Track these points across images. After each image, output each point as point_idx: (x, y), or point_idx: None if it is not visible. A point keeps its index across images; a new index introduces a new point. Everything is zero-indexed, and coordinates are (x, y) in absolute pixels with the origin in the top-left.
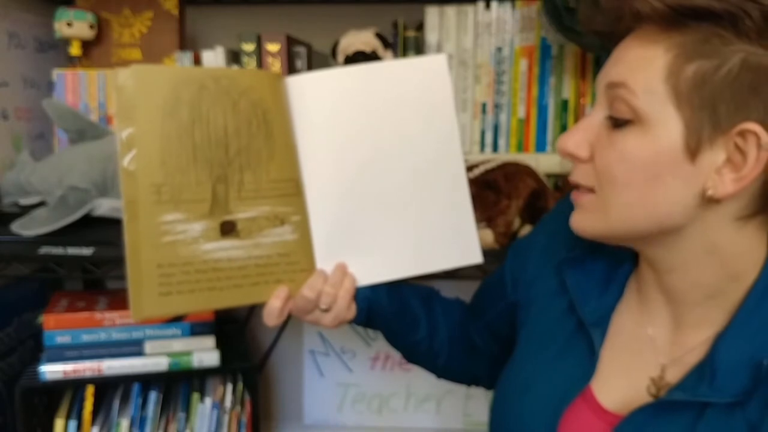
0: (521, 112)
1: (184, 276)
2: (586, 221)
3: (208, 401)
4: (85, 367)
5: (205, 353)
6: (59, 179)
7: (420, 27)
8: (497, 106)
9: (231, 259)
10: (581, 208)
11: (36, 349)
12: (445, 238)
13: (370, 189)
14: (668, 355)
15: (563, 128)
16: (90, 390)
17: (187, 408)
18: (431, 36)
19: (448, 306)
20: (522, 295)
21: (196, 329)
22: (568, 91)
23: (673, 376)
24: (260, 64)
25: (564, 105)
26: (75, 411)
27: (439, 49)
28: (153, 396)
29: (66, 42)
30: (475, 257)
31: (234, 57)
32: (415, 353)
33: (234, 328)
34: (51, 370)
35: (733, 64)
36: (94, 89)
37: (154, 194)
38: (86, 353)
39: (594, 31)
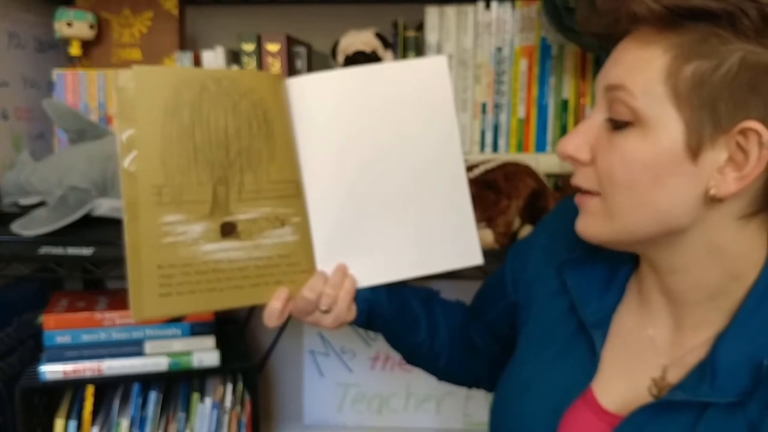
0: (521, 112)
1: (185, 277)
2: (592, 226)
3: (208, 401)
4: (85, 367)
5: (205, 353)
6: (59, 179)
7: (420, 27)
8: (497, 106)
9: (231, 260)
10: (586, 213)
11: (36, 349)
12: (445, 240)
13: (371, 190)
14: (669, 355)
15: (563, 128)
16: (90, 390)
17: (187, 408)
18: (431, 36)
19: (449, 307)
20: (522, 295)
21: (196, 329)
22: (568, 91)
23: (674, 376)
24: (260, 64)
25: (564, 105)
26: (75, 411)
27: (439, 49)
28: (153, 396)
29: (66, 42)
30: (476, 258)
31: (234, 57)
32: (416, 355)
33: (234, 328)
34: (51, 370)
35: (732, 63)
36: (94, 89)
37: (154, 195)
38: (86, 353)
39: (592, 33)
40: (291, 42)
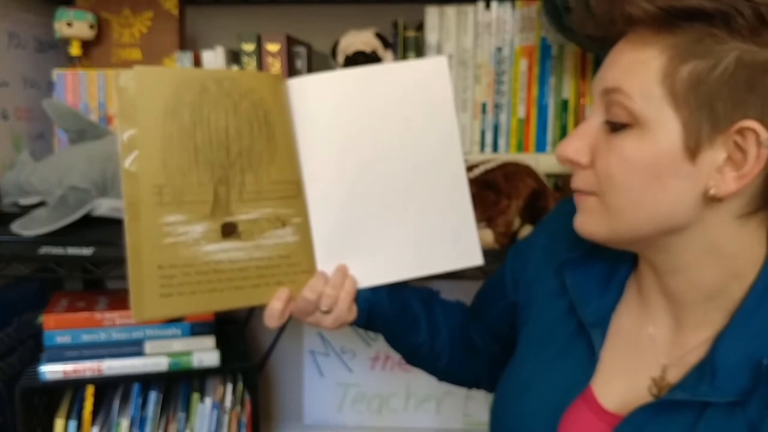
0: (521, 112)
1: (185, 277)
2: (590, 224)
3: (208, 401)
4: (85, 367)
5: (205, 353)
6: (59, 179)
7: (420, 27)
8: (497, 106)
9: (232, 260)
10: (584, 211)
11: (36, 349)
12: (445, 240)
13: (371, 191)
14: (669, 355)
15: (563, 128)
16: (90, 390)
17: (187, 408)
18: (431, 36)
19: (449, 308)
20: (522, 295)
21: (196, 329)
22: (568, 91)
23: (674, 375)
24: (260, 64)
25: (564, 105)
26: (75, 411)
27: (439, 49)
28: (153, 396)
29: (66, 42)
30: (476, 259)
31: (234, 57)
32: (416, 355)
33: (234, 328)
34: (51, 370)
35: (729, 63)
36: (94, 89)
37: (155, 195)
38: (86, 353)
39: (588, 36)
40: (291, 42)
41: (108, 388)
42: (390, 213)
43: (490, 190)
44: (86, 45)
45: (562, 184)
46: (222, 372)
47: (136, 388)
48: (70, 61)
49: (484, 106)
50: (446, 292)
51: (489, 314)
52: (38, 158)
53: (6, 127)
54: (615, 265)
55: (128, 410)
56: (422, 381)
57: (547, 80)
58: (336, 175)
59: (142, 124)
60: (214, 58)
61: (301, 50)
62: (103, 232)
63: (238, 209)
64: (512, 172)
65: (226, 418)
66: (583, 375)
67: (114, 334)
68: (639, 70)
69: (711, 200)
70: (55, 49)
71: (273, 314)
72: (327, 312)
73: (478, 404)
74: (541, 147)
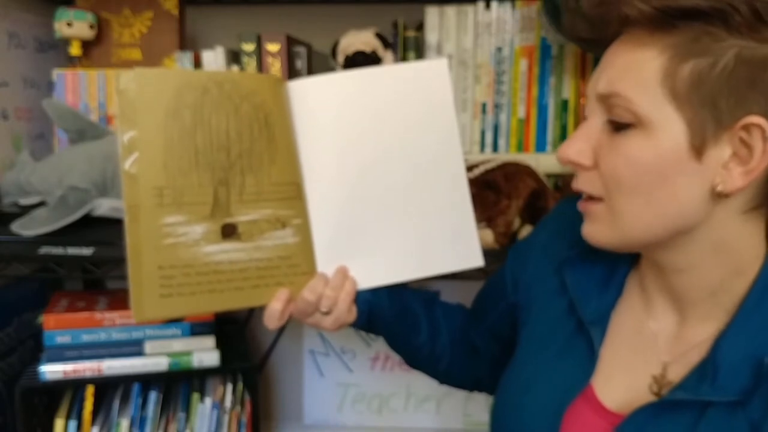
0: (521, 112)
1: (185, 278)
2: (599, 232)
3: (208, 401)
4: (85, 367)
5: (205, 353)
6: (59, 179)
7: (420, 27)
8: (497, 106)
9: (232, 261)
10: (592, 219)
11: (36, 349)
12: (446, 242)
13: (371, 192)
14: (670, 352)
15: (563, 128)
16: (90, 390)
17: (187, 408)
18: (431, 36)
19: (449, 310)
20: (522, 296)
21: (196, 329)
22: (568, 91)
23: (675, 374)
24: (260, 64)
25: (564, 105)
26: (75, 411)
27: (439, 49)
28: (153, 396)
29: (66, 42)
30: (477, 261)
31: (234, 57)
32: (417, 358)
33: (234, 328)
34: (51, 370)
35: (728, 60)
36: (94, 89)
37: (155, 197)
38: (86, 353)
39: (579, 39)
40: (291, 42)
41: (108, 388)
42: (390, 214)
43: (490, 190)
44: (86, 45)
45: (562, 184)
46: (222, 372)
47: (136, 388)
48: (70, 61)
49: (484, 106)
50: (447, 293)
51: (489, 315)
52: (38, 158)
53: (6, 127)
54: (615, 264)
55: (128, 410)
56: (422, 381)
57: (547, 80)
58: (336, 176)
59: (143, 126)
60: (214, 58)
61: (301, 50)
62: (103, 232)
63: (238, 210)
64: (512, 172)
65: (226, 418)
66: (583, 373)
67: (114, 334)
68: (637, 71)
69: (718, 197)
70: (55, 49)
71: (273, 315)
72: (327, 313)
73: (478, 404)
74: (541, 147)
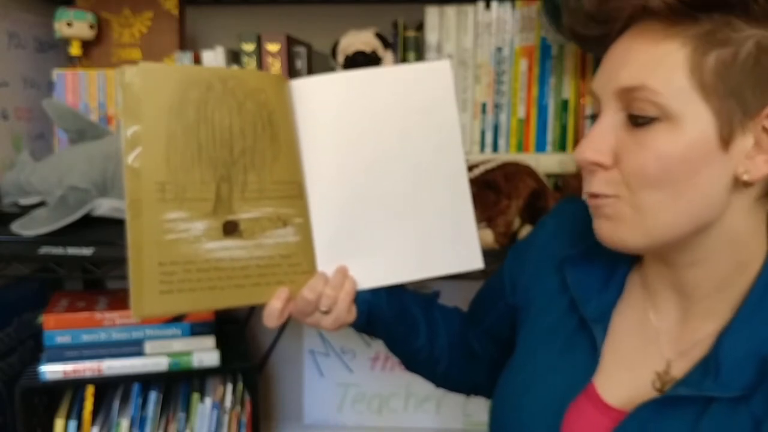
0: (521, 112)
1: (186, 275)
2: (622, 232)
3: (208, 401)
4: (85, 367)
5: (205, 353)
6: (59, 179)
7: (420, 27)
8: (497, 106)
9: (233, 258)
10: (612, 219)
11: (36, 349)
12: (446, 243)
13: (373, 193)
14: (674, 349)
15: (563, 128)
16: (90, 390)
17: (187, 408)
18: (431, 36)
19: (448, 313)
20: (521, 297)
21: (196, 329)
22: (568, 91)
23: (679, 370)
24: (260, 64)
25: (564, 105)
26: (75, 411)
27: (439, 49)
28: (153, 396)
29: (66, 42)
30: (477, 263)
31: (234, 57)
32: (415, 360)
33: (234, 328)
34: (51, 370)
35: (750, 49)
36: (94, 89)
37: (158, 192)
38: (86, 353)
39: (579, 37)
40: (291, 42)
41: (108, 388)
42: (391, 215)
43: (490, 190)
44: (86, 45)
45: (562, 184)
46: (222, 372)
47: (136, 388)
48: (70, 61)
49: (484, 106)
50: (448, 293)
51: (488, 317)
52: (38, 158)
53: (6, 127)
54: (615, 262)
55: (128, 410)
56: (422, 381)
57: (547, 80)
58: (338, 176)
59: (146, 121)
60: (214, 58)
61: (301, 50)
62: (103, 232)
63: (240, 208)
64: (512, 172)
65: (226, 418)
66: (585, 371)
67: (114, 334)
68: (661, 64)
69: (744, 185)
70: (55, 49)
71: (272, 314)
72: (326, 312)
73: (478, 404)
74: (541, 147)
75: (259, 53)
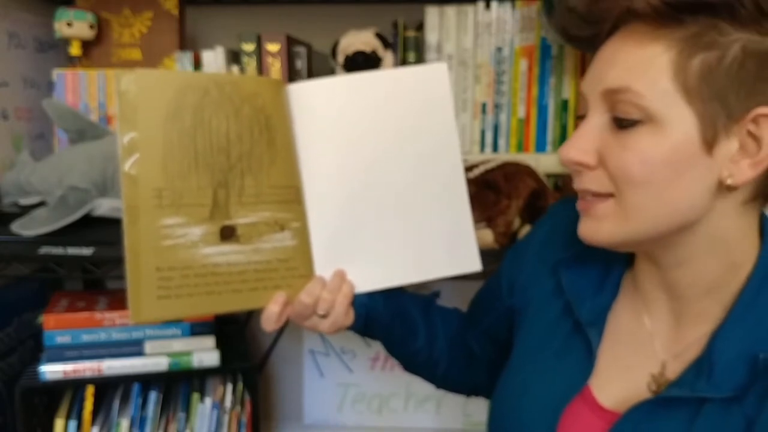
0: (521, 112)
1: (183, 280)
2: (605, 230)
3: (208, 401)
4: (85, 367)
5: (205, 353)
6: (59, 179)
7: (420, 27)
8: (497, 106)
9: (230, 263)
10: (597, 218)
11: (36, 349)
12: (444, 246)
13: (370, 196)
14: (668, 350)
15: (563, 128)
16: (90, 390)
17: (187, 408)
18: (431, 36)
19: (446, 314)
20: (518, 298)
21: (196, 329)
22: (568, 91)
23: (673, 371)
24: (260, 64)
25: (564, 105)
26: (75, 411)
27: (439, 49)
28: (153, 396)
29: (66, 42)
30: (474, 265)
31: (234, 57)
32: (414, 362)
33: (234, 328)
34: (51, 370)
35: (735, 53)
36: (94, 89)
37: (155, 198)
38: (86, 353)
39: (571, 37)
40: (291, 42)
41: (108, 388)
42: (389, 219)
43: (490, 190)
44: (86, 45)
45: (562, 184)
46: (222, 372)
47: (136, 388)
48: (70, 61)
49: (484, 106)
50: (447, 293)
51: (486, 318)
52: (38, 158)
53: (6, 127)
54: (610, 264)
55: (128, 410)
56: (422, 381)
57: (547, 80)
58: (335, 180)
59: (143, 128)
60: (214, 58)
61: (301, 50)
62: (103, 232)
63: (237, 213)
64: (512, 172)
65: (226, 418)
66: (581, 374)
67: (114, 334)
68: (646, 67)
69: (728, 189)
70: (55, 49)
71: (270, 318)
72: (324, 316)
73: (478, 404)
74: (541, 147)
75: (259, 53)
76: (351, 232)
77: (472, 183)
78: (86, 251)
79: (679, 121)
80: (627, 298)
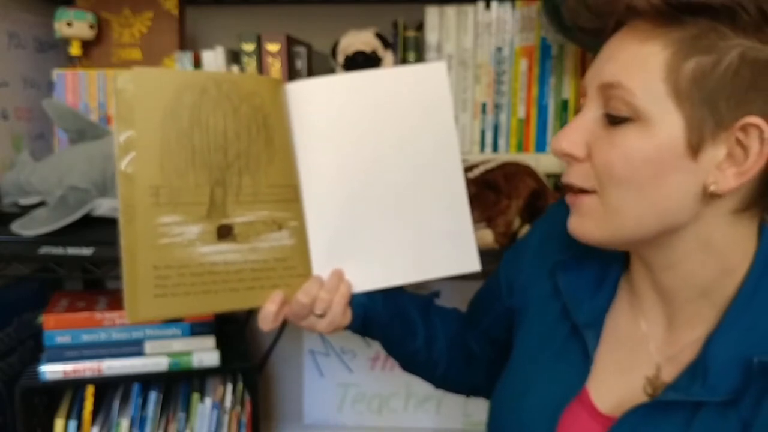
0: (521, 112)
1: (180, 278)
2: (587, 226)
3: (208, 401)
4: (85, 367)
5: (205, 353)
6: (59, 179)
7: (420, 27)
8: (497, 106)
9: (227, 262)
10: (580, 213)
11: (36, 349)
12: (443, 246)
13: (368, 196)
14: (663, 353)
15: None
16: (90, 390)
17: (187, 408)
18: (431, 36)
19: (446, 315)
20: (517, 299)
21: (196, 329)
22: (568, 91)
23: (669, 374)
24: (260, 64)
25: (564, 105)
26: (75, 411)
27: (439, 49)
28: (153, 396)
29: (66, 42)
30: (473, 265)
31: (234, 57)
32: (413, 363)
33: (234, 328)
34: (51, 370)
35: (732, 59)
36: (94, 89)
37: (151, 196)
38: (86, 353)
39: (580, 28)
40: (291, 42)
41: (108, 388)
42: (387, 218)
43: (490, 190)
44: (86, 45)
45: (562, 184)
46: (222, 372)
47: (136, 388)
48: (70, 61)
49: (484, 106)
50: (447, 294)
51: (485, 319)
52: (38, 158)
53: (6, 127)
54: (607, 266)
55: (128, 410)
56: (422, 381)
57: (547, 80)
58: (333, 179)
59: (140, 126)
60: (214, 58)
61: (301, 50)
62: (103, 232)
63: (234, 211)
64: (512, 172)
65: (226, 418)
66: (578, 377)
67: (114, 334)
68: (641, 65)
69: (710, 197)
70: (55, 49)
71: (267, 317)
72: (321, 316)
73: (478, 404)
74: (541, 147)
75: (259, 53)
76: (349, 232)
77: (472, 183)
78: (86, 251)
79: (666, 122)
80: (624, 300)
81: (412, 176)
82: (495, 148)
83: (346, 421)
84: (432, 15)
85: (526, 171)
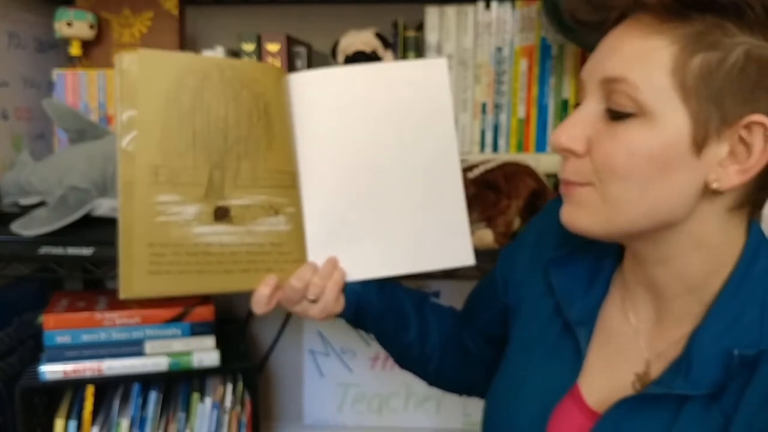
0: (521, 112)
1: (175, 257)
2: (583, 217)
3: (208, 401)
4: (85, 367)
5: (205, 353)
6: (59, 179)
7: (420, 27)
8: (497, 106)
9: (223, 244)
10: (576, 204)
11: (36, 349)
12: (438, 239)
13: (366, 186)
14: (652, 349)
15: None
16: (90, 390)
17: (187, 408)
18: (431, 36)
19: (441, 311)
20: (513, 296)
21: (196, 329)
22: (568, 91)
23: (657, 370)
24: None
25: (564, 105)
26: (75, 411)
27: (439, 49)
28: (153, 396)
29: (66, 42)
30: (468, 259)
31: (234, 57)
32: (406, 356)
33: (234, 328)
34: (51, 370)
35: (738, 57)
36: (94, 89)
37: (151, 175)
38: (86, 353)
39: (578, 21)
40: (291, 42)
41: (108, 388)
42: (383, 209)
43: (490, 190)
44: (86, 45)
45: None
46: (222, 372)
47: (136, 388)
48: (70, 61)
49: (484, 106)
50: (446, 292)
51: (481, 317)
52: (38, 158)
53: (6, 127)
54: (599, 263)
55: (128, 410)
56: (422, 381)
57: (547, 80)
58: (331, 168)
59: (143, 106)
60: None
61: (301, 50)
62: (103, 232)
63: (232, 194)
64: (512, 172)
65: (226, 418)
66: (570, 374)
67: (114, 334)
68: (647, 59)
69: (713, 194)
70: (55, 49)
71: (260, 300)
72: (314, 301)
73: (478, 404)
74: (541, 147)
75: (259, 53)
76: (345, 220)
77: (472, 183)
78: (86, 251)
79: (671, 118)
80: (616, 295)
81: (410, 168)
82: (495, 148)
83: (346, 421)
84: (432, 15)
85: (526, 171)
